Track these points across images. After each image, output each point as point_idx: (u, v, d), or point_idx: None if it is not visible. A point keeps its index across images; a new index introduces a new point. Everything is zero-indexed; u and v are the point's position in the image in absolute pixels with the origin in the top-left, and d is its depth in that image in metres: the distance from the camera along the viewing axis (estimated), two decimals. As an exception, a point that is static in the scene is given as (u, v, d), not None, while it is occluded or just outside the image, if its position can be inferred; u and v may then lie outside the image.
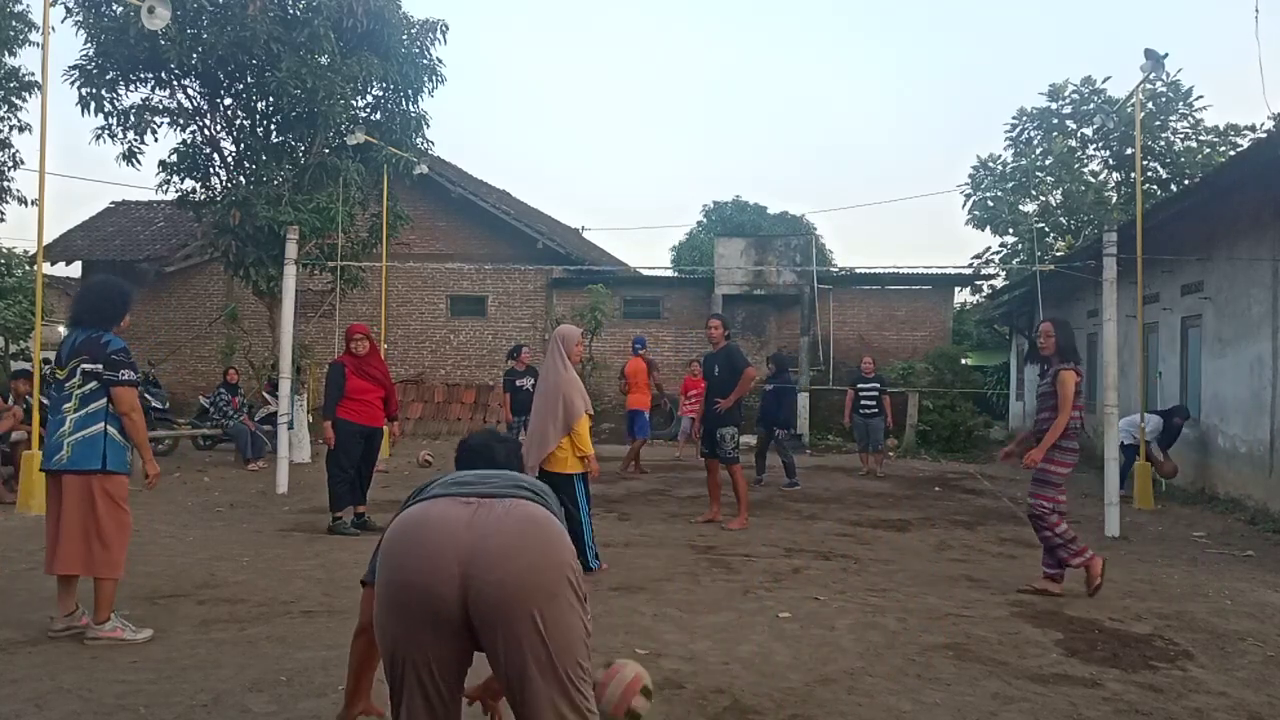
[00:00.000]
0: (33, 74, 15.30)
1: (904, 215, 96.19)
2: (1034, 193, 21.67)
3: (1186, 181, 18.69)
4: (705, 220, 32.92)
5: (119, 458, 4.71)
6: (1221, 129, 20.84)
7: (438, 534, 2.28)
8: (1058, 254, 19.21)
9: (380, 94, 14.06)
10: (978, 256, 23.68)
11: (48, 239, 15.18)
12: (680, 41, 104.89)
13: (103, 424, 4.65)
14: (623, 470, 12.53)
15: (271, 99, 12.74)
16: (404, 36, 13.58)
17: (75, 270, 21.09)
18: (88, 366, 4.70)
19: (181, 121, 13.20)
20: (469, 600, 2.25)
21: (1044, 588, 6.04)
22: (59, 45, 62.23)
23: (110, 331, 4.78)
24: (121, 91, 12.88)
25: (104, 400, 4.67)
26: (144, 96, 13.06)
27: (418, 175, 14.54)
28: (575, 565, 2.39)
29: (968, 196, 22.67)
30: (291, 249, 10.94)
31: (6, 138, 15.47)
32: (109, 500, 4.68)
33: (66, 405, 4.70)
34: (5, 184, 15.73)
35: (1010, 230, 22.05)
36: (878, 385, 12.98)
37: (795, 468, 11.76)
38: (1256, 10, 9.89)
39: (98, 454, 4.63)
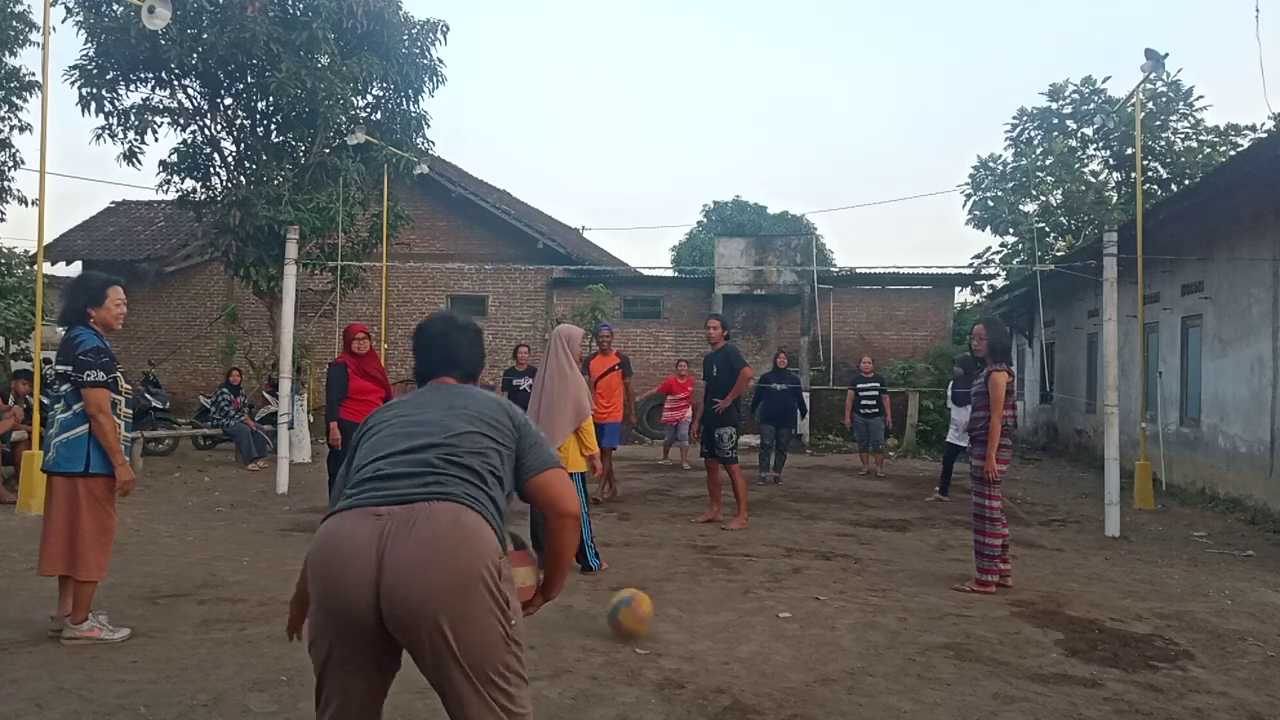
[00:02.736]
0: (33, 74, 15.30)
1: (904, 215, 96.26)
2: (1034, 193, 21.64)
3: (1187, 181, 18.68)
4: (705, 220, 32.89)
5: (103, 459, 4.64)
6: (1222, 129, 20.81)
7: (350, 560, 2.30)
8: (1058, 254, 19.20)
9: (380, 94, 14.07)
10: (978, 256, 23.66)
11: (48, 239, 15.18)
12: (681, 41, 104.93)
13: (86, 426, 4.61)
14: (603, 493, 9.99)
15: (272, 99, 12.74)
16: (404, 37, 13.59)
17: (75, 270, 21.09)
18: (60, 368, 4.69)
19: (182, 121, 13.21)
20: (384, 619, 2.29)
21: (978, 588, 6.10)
22: (59, 45, 62.04)
23: (86, 326, 4.70)
24: (122, 91, 12.89)
25: (84, 402, 4.63)
26: (144, 96, 13.08)
27: (418, 175, 14.54)
28: (490, 568, 2.33)
29: (968, 196, 22.65)
30: (292, 249, 10.95)
31: (7, 138, 15.46)
32: (93, 502, 4.65)
33: (57, 406, 4.71)
34: (5, 184, 15.72)
35: (1010, 230, 22.03)
36: (878, 385, 12.99)
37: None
38: (1257, 10, 9.93)
39: (81, 456, 4.61)
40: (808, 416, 16.23)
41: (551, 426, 6.36)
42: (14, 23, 14.54)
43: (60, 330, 4.87)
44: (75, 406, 4.63)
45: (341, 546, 2.33)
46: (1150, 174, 20.53)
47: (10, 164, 15.67)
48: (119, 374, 4.79)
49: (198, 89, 13.24)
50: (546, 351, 6.62)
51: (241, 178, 13.30)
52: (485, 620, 2.30)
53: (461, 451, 2.49)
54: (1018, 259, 21.36)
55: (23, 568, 6.26)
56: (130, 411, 4.94)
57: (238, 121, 13.35)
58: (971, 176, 22.89)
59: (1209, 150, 20.44)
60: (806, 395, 17.38)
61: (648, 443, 17.78)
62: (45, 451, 4.74)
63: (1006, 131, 22.66)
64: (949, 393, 11.48)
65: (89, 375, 4.59)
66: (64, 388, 4.67)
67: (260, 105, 13.14)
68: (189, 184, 13.55)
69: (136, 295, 19.56)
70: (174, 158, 13.22)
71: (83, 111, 12.55)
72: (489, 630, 2.31)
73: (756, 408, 12.63)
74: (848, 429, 14.37)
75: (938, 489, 10.89)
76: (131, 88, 12.99)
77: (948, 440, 11.19)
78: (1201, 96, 20.62)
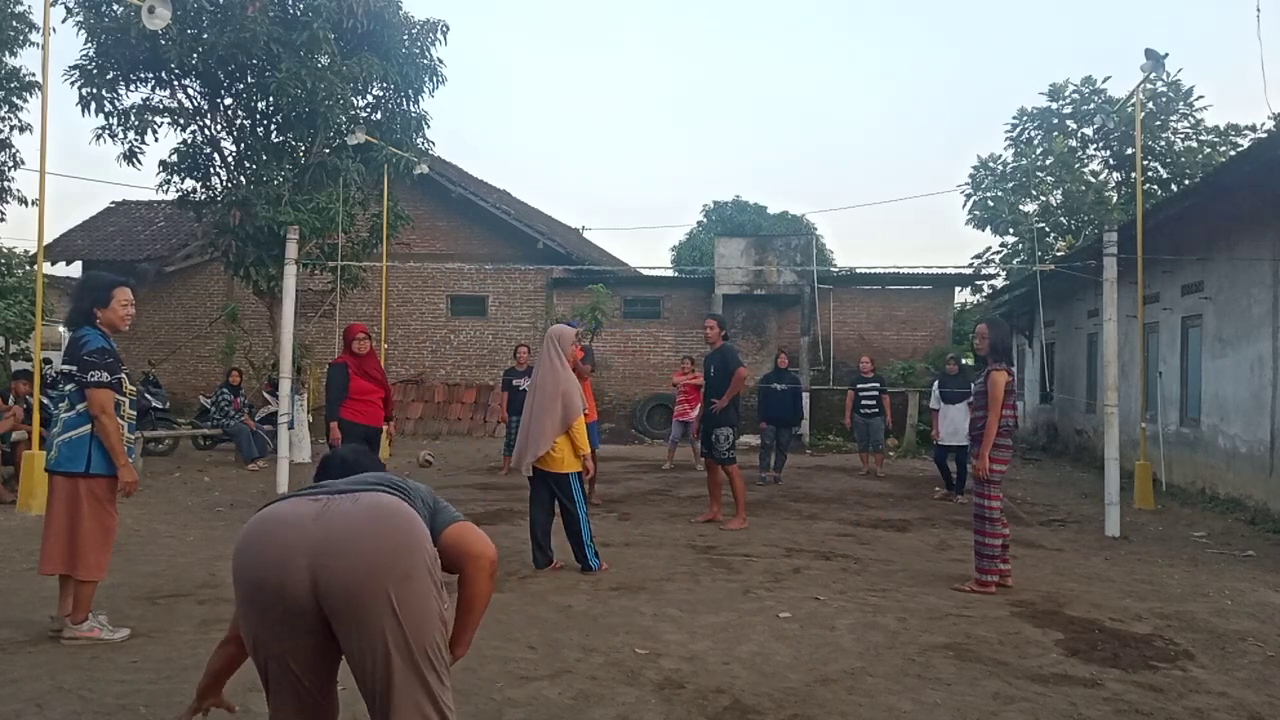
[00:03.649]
0: (33, 74, 15.33)
1: (904, 215, 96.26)
2: (1034, 193, 21.64)
3: (1187, 181, 18.68)
4: (705, 220, 32.91)
5: (104, 460, 4.64)
6: (1222, 129, 20.81)
7: (285, 530, 2.30)
8: (1058, 254, 19.19)
9: (380, 94, 14.08)
10: (978, 256, 23.67)
11: (48, 239, 15.17)
12: (681, 40, 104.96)
13: (89, 426, 4.61)
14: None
15: (271, 99, 12.74)
16: (404, 37, 13.59)
17: (75, 270, 21.09)
18: (64, 367, 4.70)
19: (182, 121, 13.21)
20: (319, 592, 2.26)
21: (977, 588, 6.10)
22: (59, 45, 62.32)
23: (92, 326, 4.69)
24: (122, 91, 12.90)
25: (87, 402, 4.62)
26: (144, 96, 13.09)
27: (418, 175, 14.55)
28: (431, 552, 2.36)
29: (968, 196, 22.65)
30: (292, 249, 10.93)
31: (7, 138, 15.48)
32: (94, 502, 4.65)
33: (61, 405, 4.72)
34: (5, 184, 15.74)
35: (1010, 230, 22.03)
36: (878, 385, 13.01)
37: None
38: (1258, 10, 9.91)
39: (83, 456, 4.61)
40: (806, 419, 16.20)
41: (541, 426, 6.38)
42: (14, 23, 14.57)
43: (62, 330, 4.88)
44: (79, 406, 4.63)
45: (278, 518, 2.34)
46: (1150, 174, 20.53)
47: (10, 164, 15.70)
48: (124, 375, 4.79)
49: (198, 89, 13.24)
50: (540, 352, 6.68)
51: (241, 178, 13.30)
52: (426, 590, 2.31)
53: (391, 482, 2.56)
54: (1018, 259, 21.36)
55: (23, 568, 6.26)
56: (134, 413, 4.94)
57: (238, 121, 13.35)
58: (971, 176, 22.90)
59: (1209, 150, 20.43)
60: (806, 395, 17.43)
61: (648, 443, 17.78)
62: (48, 450, 4.75)
63: (1006, 131, 22.67)
64: (936, 391, 11.41)
65: (93, 376, 4.59)
66: (68, 387, 4.67)
67: (260, 105, 13.14)
68: (189, 184, 13.56)
69: (137, 295, 19.51)
70: (174, 158, 13.22)
71: (83, 111, 12.56)
72: (429, 602, 2.32)
73: (762, 409, 12.51)
74: (848, 429, 14.36)
75: (939, 488, 10.88)
76: (131, 88, 13.00)
77: (938, 444, 11.09)
78: (1201, 96, 20.64)
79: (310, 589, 2.26)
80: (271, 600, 2.29)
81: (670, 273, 25.35)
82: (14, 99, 15.20)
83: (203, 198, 13.66)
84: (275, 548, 2.29)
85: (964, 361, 12.34)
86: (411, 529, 2.36)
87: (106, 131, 12.82)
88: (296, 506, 2.38)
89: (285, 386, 10.67)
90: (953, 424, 10.76)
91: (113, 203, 23.66)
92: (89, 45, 12.49)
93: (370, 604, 2.25)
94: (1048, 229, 21.36)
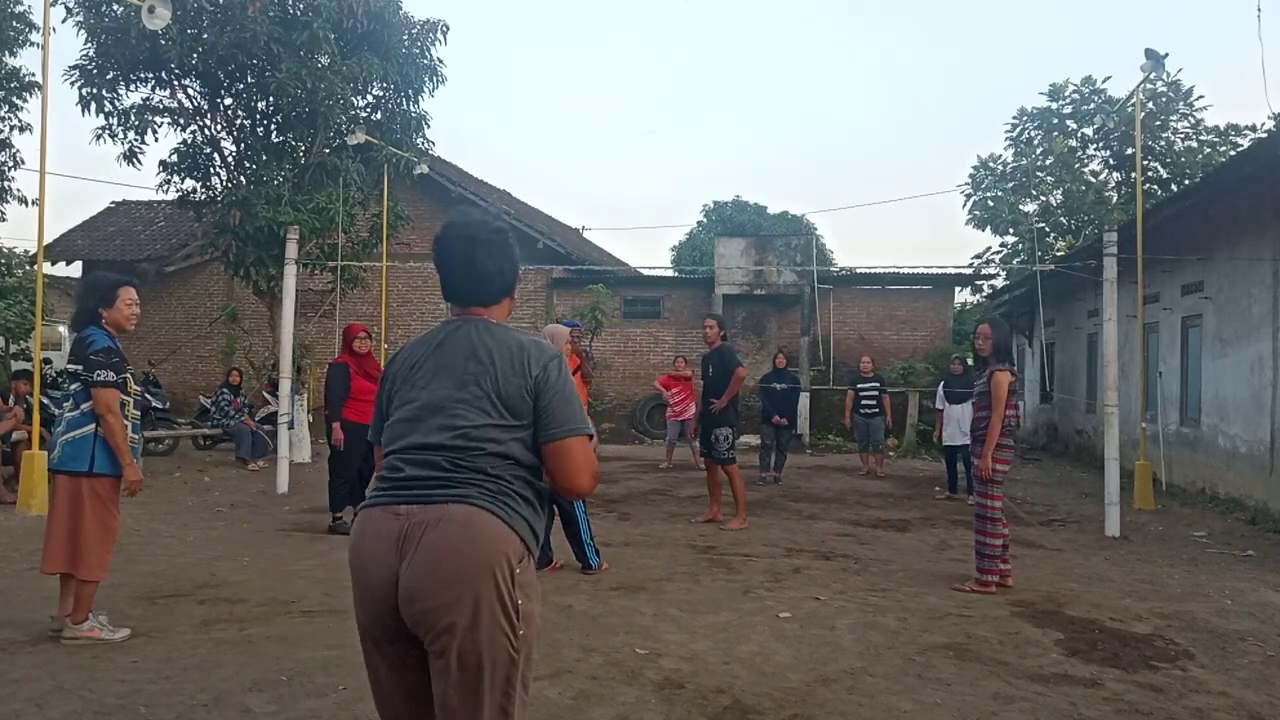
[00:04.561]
0: (33, 74, 15.30)
1: (904, 215, 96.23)
2: (1034, 193, 21.65)
3: (1187, 181, 18.69)
4: (705, 220, 32.90)
5: (108, 459, 4.64)
6: (1222, 129, 20.82)
7: (373, 555, 2.37)
8: (1058, 254, 19.20)
9: (380, 94, 14.06)
10: (978, 256, 23.69)
11: (48, 239, 15.16)
12: (681, 41, 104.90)
13: (93, 425, 4.61)
14: None
15: (272, 99, 12.73)
16: (404, 37, 13.58)
17: (76, 270, 21.07)
18: (70, 367, 4.71)
19: (182, 121, 13.20)
20: (403, 618, 2.36)
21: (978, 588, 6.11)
22: (59, 45, 62.33)
23: (97, 326, 4.71)
24: (122, 91, 12.88)
25: (93, 402, 4.63)
26: (144, 96, 13.07)
27: (418, 175, 14.54)
28: (500, 574, 2.30)
29: (968, 196, 22.67)
30: (292, 249, 10.95)
31: (7, 138, 15.46)
32: (97, 502, 4.65)
33: (65, 405, 4.72)
34: (5, 184, 15.71)
35: (1010, 230, 22.05)
36: (878, 385, 13.00)
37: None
38: (1259, 10, 9.91)
39: (86, 455, 4.61)
40: (798, 418, 16.20)
41: None
42: (14, 23, 14.54)
43: (61, 329, 4.89)
44: (83, 406, 4.63)
45: (367, 546, 2.40)
46: (1150, 174, 20.54)
47: (10, 164, 15.68)
48: (129, 375, 4.79)
49: (198, 89, 13.23)
50: None
51: (241, 178, 13.29)
52: (490, 632, 2.29)
53: (471, 453, 2.40)
54: (1018, 259, 21.37)
55: (23, 568, 6.26)
56: (139, 413, 4.94)
57: (238, 121, 13.35)
58: (971, 176, 22.92)
59: (1209, 150, 20.45)
60: (805, 396, 17.42)
61: (648, 443, 17.78)
62: (50, 450, 4.76)
63: (1006, 131, 22.69)
64: (941, 391, 11.43)
65: (99, 375, 4.59)
66: (74, 386, 4.67)
67: (260, 105, 13.13)
68: (189, 184, 13.54)
69: (139, 295, 19.52)
70: (174, 158, 13.21)
71: (83, 111, 12.55)
72: (493, 643, 2.30)
73: (761, 409, 12.55)
74: (848, 429, 14.37)
75: (940, 488, 10.89)
76: (131, 88, 12.98)
77: (945, 444, 11.12)
78: (1201, 96, 20.67)
79: (395, 616, 2.34)
80: (369, 614, 2.40)
81: (670, 273, 25.34)
82: (14, 99, 15.17)
83: (203, 198, 13.65)
84: (366, 572, 2.37)
85: (966, 361, 12.36)
86: (477, 568, 2.30)
87: (106, 131, 12.81)
88: (381, 525, 2.37)
89: (285, 386, 10.70)
90: (955, 423, 10.77)
91: (113, 203, 23.65)
92: (89, 45, 12.47)
93: (435, 647, 2.30)
94: (1048, 229, 21.36)
